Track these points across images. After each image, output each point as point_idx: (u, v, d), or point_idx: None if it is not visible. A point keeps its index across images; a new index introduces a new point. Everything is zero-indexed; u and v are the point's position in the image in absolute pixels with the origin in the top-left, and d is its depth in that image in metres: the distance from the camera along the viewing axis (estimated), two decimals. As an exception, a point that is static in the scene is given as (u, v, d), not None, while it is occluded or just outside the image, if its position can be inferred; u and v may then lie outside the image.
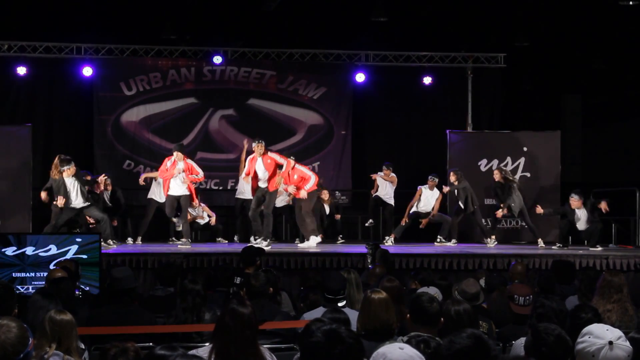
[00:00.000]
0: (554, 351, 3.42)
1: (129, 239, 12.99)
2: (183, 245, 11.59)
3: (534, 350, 3.47)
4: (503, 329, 5.63)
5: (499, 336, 5.44)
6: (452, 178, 13.29)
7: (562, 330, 3.58)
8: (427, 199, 13.54)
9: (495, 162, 14.15)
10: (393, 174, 13.88)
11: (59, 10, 14.51)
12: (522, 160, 14.19)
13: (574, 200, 12.30)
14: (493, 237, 13.06)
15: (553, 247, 12.30)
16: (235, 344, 3.83)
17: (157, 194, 13.09)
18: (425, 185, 13.53)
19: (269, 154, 11.89)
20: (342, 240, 13.87)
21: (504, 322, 5.75)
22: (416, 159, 16.03)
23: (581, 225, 12.36)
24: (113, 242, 11.56)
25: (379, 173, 13.94)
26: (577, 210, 12.32)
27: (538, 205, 13.05)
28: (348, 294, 6.03)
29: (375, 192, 14.02)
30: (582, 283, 6.70)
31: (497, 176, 12.94)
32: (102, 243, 9.44)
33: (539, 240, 12.83)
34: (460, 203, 13.21)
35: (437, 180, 13.55)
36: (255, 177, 11.76)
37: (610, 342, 3.29)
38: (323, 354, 2.88)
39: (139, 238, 12.97)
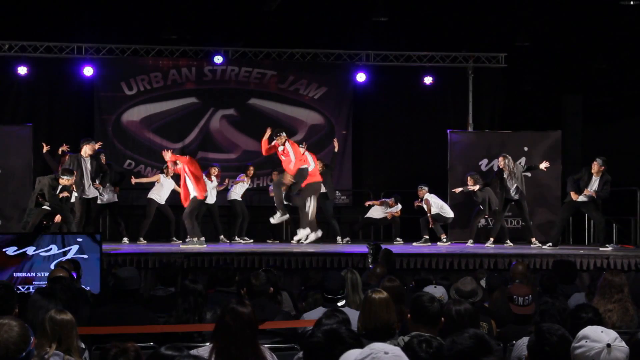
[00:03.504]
0: (556, 351, 3.42)
1: (124, 239, 12.95)
2: (189, 245, 11.59)
3: (536, 350, 3.47)
4: (504, 329, 5.62)
5: (499, 336, 5.44)
6: (470, 182, 13.38)
7: (566, 330, 3.58)
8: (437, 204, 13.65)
9: (496, 162, 14.14)
10: (397, 206, 13.99)
11: (59, 10, 14.52)
12: (522, 160, 14.15)
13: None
14: (492, 239, 13.04)
15: (544, 247, 12.28)
16: (236, 344, 3.82)
17: (156, 194, 13.11)
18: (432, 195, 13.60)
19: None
20: (347, 239, 13.82)
21: (505, 322, 5.74)
22: (417, 159, 15.99)
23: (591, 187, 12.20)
24: None
25: (384, 200, 14.07)
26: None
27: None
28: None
29: (366, 215, 14.20)
30: (592, 283, 6.69)
31: (501, 163, 12.95)
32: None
33: (532, 239, 12.84)
34: (480, 206, 13.42)
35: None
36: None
37: (609, 345, 3.28)
38: (324, 354, 2.87)
39: (141, 238, 12.97)
